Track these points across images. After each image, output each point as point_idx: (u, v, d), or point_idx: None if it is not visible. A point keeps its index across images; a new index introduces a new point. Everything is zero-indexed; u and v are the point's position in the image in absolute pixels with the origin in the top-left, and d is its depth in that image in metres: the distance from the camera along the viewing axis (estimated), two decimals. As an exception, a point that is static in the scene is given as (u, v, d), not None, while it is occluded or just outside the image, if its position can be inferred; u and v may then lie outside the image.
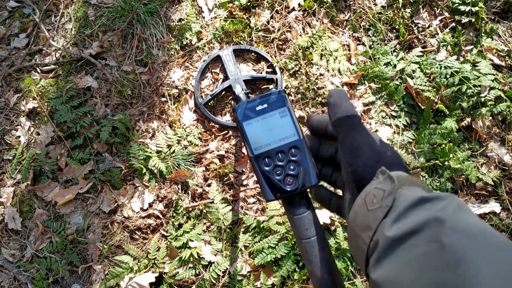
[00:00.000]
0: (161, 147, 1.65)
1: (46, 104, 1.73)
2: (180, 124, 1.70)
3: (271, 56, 1.75)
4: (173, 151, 1.64)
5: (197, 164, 1.65)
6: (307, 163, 0.65)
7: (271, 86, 1.70)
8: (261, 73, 1.75)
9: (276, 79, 1.69)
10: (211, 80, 1.77)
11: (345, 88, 1.71)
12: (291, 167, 0.64)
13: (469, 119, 1.68)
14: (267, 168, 0.64)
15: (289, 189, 0.63)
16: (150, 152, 1.64)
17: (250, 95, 1.71)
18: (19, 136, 1.72)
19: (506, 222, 1.57)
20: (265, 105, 0.67)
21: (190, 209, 1.59)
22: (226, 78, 1.72)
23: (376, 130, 1.67)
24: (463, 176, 1.60)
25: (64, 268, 1.53)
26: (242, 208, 1.59)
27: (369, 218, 0.41)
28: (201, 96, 1.73)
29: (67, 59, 1.80)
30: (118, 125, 1.65)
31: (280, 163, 0.64)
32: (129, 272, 1.50)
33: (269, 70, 1.75)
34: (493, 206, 1.60)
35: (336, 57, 1.76)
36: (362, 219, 0.43)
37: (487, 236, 0.33)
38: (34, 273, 1.54)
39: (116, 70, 1.78)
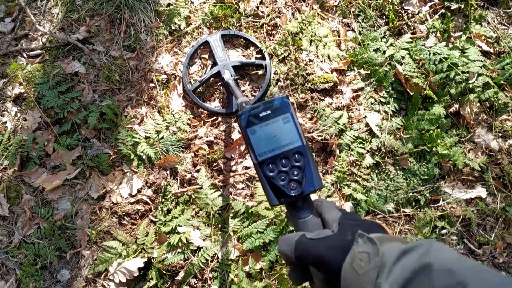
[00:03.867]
0: (150, 133, 1.64)
1: (32, 89, 1.70)
2: (169, 110, 1.69)
3: (260, 41, 1.74)
4: (162, 137, 1.63)
5: (186, 150, 1.65)
6: (310, 168, 0.65)
7: (260, 72, 1.69)
8: (250, 58, 1.74)
9: (265, 64, 1.68)
10: (200, 66, 1.75)
11: (335, 74, 1.71)
12: (295, 172, 0.65)
13: (457, 106, 1.69)
14: (271, 174, 0.65)
15: (293, 194, 0.63)
16: (139, 138, 1.63)
17: (239, 80, 1.70)
18: (5, 122, 1.70)
19: (492, 207, 1.59)
20: (269, 112, 0.68)
21: (179, 194, 1.58)
22: (215, 64, 1.71)
23: (365, 116, 1.67)
24: (450, 162, 1.62)
25: (52, 254, 1.53)
26: (231, 193, 1.59)
27: (363, 282, 0.44)
28: (190, 82, 1.71)
29: (54, 44, 1.78)
30: (106, 110, 1.64)
31: (284, 169, 0.65)
32: (117, 257, 1.50)
33: (258, 55, 1.74)
34: (480, 191, 1.62)
35: (326, 43, 1.76)
36: (356, 285, 0.45)
37: (472, 272, 0.38)
38: (22, 259, 1.53)
39: (103, 56, 1.75)
